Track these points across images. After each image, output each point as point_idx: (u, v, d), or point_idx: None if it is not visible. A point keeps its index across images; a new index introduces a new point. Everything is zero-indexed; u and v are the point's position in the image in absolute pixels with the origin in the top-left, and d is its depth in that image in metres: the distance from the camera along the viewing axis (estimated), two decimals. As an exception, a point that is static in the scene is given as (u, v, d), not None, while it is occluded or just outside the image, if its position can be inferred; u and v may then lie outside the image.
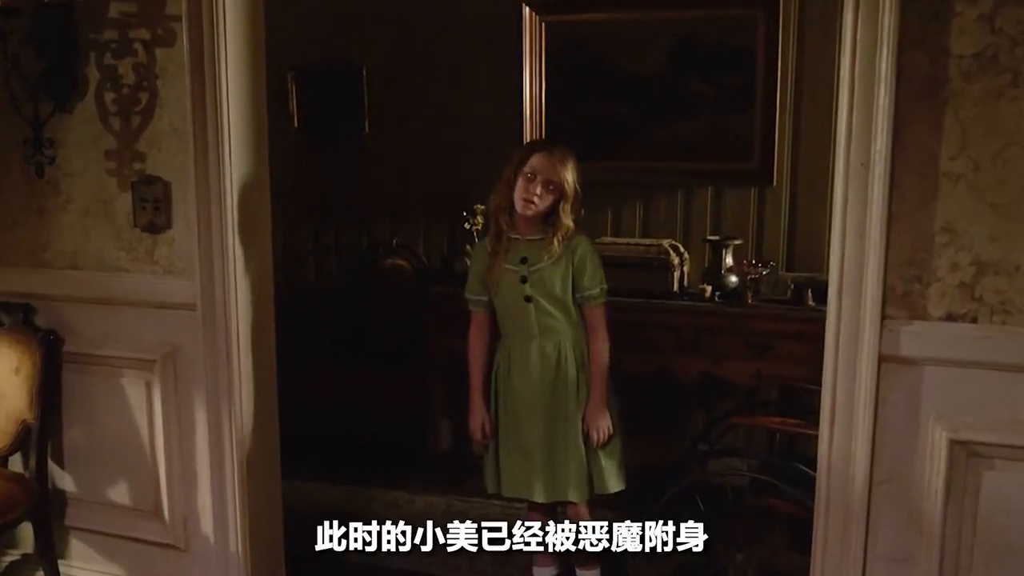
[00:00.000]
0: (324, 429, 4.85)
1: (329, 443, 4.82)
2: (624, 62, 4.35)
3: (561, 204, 2.93)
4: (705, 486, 3.32)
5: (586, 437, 2.98)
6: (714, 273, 4.05)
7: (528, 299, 2.97)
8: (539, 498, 3.02)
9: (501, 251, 3.00)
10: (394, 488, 4.33)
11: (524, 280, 2.97)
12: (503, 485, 3.09)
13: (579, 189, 2.95)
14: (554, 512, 3.13)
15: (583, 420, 2.98)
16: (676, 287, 4.04)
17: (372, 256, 4.87)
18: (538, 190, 2.90)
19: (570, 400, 2.99)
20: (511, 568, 3.56)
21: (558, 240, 2.93)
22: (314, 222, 4.97)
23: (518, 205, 2.94)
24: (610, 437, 2.99)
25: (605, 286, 3.03)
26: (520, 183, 2.92)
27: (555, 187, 2.91)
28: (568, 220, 2.93)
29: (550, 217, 2.96)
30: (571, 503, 3.04)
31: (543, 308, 2.97)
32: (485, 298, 3.07)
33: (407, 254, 4.80)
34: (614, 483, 3.04)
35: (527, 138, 4.51)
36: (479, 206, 4.43)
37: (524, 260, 2.98)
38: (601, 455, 3.00)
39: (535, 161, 2.92)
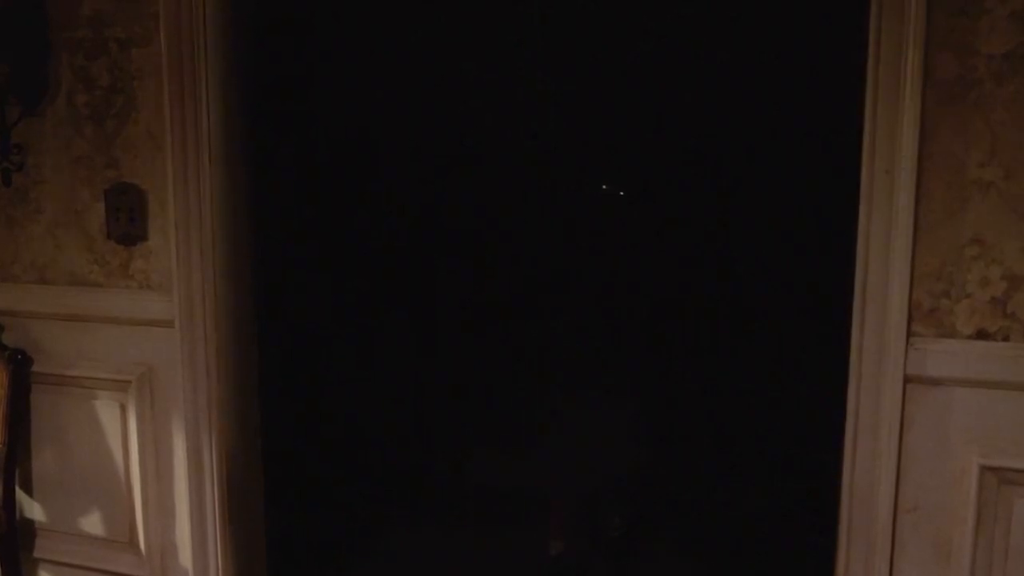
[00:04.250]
0: (313, 453, 4.82)
1: (318, 468, 4.78)
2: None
3: None
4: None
5: None
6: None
7: None
8: None
9: None
10: (389, 518, 4.30)
11: None
12: None
13: None
14: None
15: None
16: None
17: (365, 263, 4.85)
18: None
19: None
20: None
21: None
22: (303, 229, 4.95)
23: None
24: None
25: None
26: None
27: None
28: None
29: None
30: None
31: None
32: None
33: (402, 260, 4.78)
34: None
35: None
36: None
37: None
38: None
39: None
